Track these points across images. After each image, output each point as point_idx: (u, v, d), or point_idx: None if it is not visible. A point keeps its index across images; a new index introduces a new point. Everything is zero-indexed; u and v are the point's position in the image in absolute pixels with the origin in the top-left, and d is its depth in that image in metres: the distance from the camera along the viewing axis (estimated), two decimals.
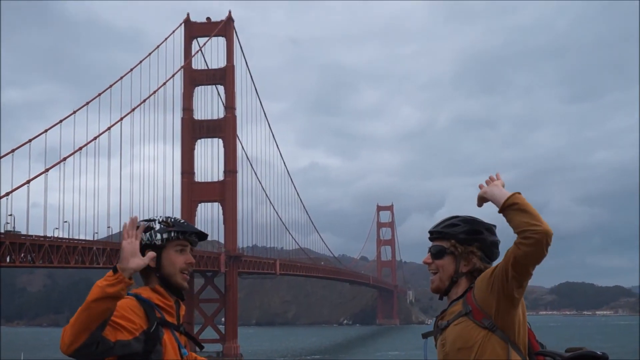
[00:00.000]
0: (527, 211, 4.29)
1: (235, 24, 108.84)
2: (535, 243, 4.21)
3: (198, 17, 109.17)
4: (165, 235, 4.72)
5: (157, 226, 4.76)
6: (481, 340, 4.34)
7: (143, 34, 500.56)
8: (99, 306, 4.19)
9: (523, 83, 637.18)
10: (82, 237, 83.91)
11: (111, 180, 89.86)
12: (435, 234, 4.72)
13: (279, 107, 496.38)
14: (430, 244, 4.80)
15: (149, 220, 4.79)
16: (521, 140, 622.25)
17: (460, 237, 4.62)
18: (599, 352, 4.28)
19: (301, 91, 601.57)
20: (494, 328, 4.34)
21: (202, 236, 4.92)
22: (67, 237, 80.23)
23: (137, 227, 4.57)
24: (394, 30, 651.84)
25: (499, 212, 4.43)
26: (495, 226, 4.75)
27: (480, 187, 4.62)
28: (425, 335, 4.69)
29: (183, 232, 4.79)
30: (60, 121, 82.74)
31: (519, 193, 4.41)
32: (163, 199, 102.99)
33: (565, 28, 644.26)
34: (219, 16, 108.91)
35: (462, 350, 4.38)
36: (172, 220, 4.82)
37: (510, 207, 4.35)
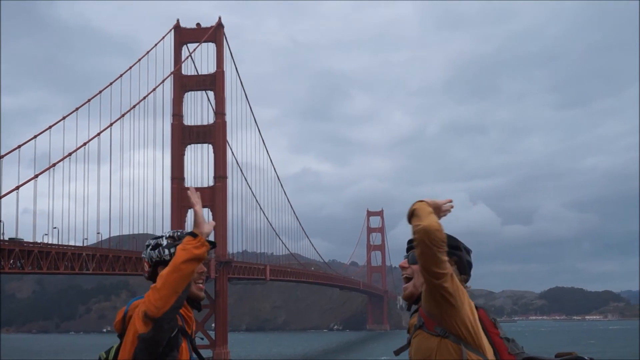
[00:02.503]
0: (418, 215, 4.39)
1: (229, 31, 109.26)
2: (418, 243, 4.33)
3: (189, 24, 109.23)
4: (172, 250, 4.82)
5: (165, 242, 4.88)
6: (436, 347, 4.43)
7: (135, 40, 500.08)
8: (187, 267, 4.43)
9: (514, 89, 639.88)
10: (71, 243, 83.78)
11: (101, 186, 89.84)
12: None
13: (271, 113, 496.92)
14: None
15: (158, 237, 4.92)
16: (512, 146, 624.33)
17: None
18: (586, 358, 4.31)
19: (293, 97, 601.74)
20: (446, 334, 4.41)
21: (210, 245, 4.99)
22: (56, 243, 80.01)
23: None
24: (386, 37, 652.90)
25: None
26: (471, 251, 4.87)
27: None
28: (397, 352, 4.80)
29: None
30: (50, 127, 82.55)
31: (422, 200, 4.51)
32: (153, 204, 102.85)
33: (556, 35, 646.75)
34: (210, 23, 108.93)
35: None
36: (179, 234, 4.92)
37: (411, 216, 4.49)
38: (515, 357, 4.53)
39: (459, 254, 4.74)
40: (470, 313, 4.44)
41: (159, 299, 4.39)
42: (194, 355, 5.00)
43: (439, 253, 4.30)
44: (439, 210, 4.59)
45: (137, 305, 4.66)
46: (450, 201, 4.67)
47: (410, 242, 4.88)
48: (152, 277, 4.89)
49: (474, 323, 4.43)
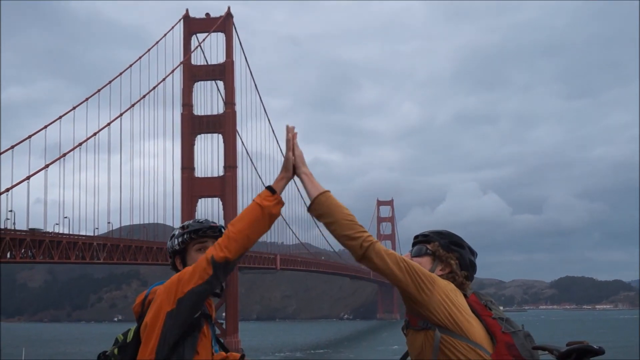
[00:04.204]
0: (323, 214, 4.47)
1: (237, 22, 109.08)
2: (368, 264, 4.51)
3: (199, 14, 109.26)
4: (181, 239, 4.87)
5: (177, 232, 4.94)
6: (422, 341, 4.44)
7: (145, 31, 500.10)
8: (264, 226, 4.51)
9: (522, 80, 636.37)
10: (82, 232, 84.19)
11: (111, 176, 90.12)
12: (421, 237, 4.88)
13: (280, 103, 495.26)
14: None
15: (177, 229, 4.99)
16: (520, 136, 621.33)
17: (443, 242, 4.76)
18: (595, 347, 4.29)
19: (302, 88, 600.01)
20: (429, 325, 4.41)
21: (216, 229, 4.94)
22: (67, 232, 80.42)
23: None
24: (394, 28, 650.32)
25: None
26: (477, 253, 4.88)
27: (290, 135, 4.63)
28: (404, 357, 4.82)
29: (196, 230, 4.88)
30: (60, 117, 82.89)
31: (323, 194, 4.50)
32: (163, 194, 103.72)
33: (563, 26, 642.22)
34: (219, 13, 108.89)
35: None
36: (189, 223, 4.94)
37: (318, 218, 4.54)
38: (510, 335, 4.45)
39: (460, 251, 4.74)
40: (443, 300, 4.40)
41: (236, 245, 4.41)
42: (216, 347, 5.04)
43: (348, 226, 4.44)
44: (298, 158, 4.57)
45: (157, 290, 4.69)
46: (289, 131, 4.62)
47: (416, 237, 4.92)
48: (174, 267, 4.92)
49: (451, 310, 4.39)
